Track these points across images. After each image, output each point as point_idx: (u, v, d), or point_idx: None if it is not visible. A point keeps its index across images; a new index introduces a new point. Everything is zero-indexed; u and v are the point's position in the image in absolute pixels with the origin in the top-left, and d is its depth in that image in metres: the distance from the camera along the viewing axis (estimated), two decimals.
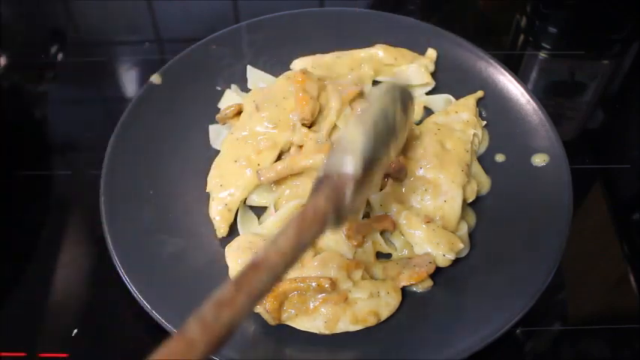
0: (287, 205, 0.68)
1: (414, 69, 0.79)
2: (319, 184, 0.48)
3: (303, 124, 0.70)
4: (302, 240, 0.43)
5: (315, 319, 0.59)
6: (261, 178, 0.67)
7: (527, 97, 0.76)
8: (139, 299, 0.60)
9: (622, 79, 0.93)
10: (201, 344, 0.37)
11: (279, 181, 0.69)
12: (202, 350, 0.37)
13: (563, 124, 0.84)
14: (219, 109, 0.78)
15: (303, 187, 0.69)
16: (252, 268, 0.41)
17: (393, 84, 0.58)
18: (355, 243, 0.63)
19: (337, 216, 0.46)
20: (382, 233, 0.66)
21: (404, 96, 0.58)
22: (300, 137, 0.70)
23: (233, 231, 0.68)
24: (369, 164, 0.50)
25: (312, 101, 0.71)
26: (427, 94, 0.80)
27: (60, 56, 0.94)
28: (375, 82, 0.80)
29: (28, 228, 0.73)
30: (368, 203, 0.67)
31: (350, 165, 0.48)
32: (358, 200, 0.49)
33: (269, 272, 0.41)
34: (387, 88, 0.57)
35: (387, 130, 0.54)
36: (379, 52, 0.80)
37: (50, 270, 0.68)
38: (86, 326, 0.64)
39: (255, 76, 0.81)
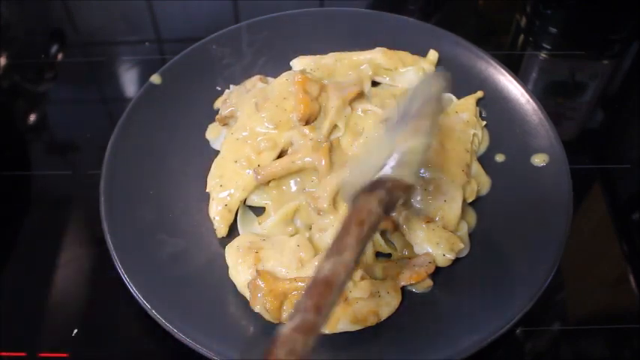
0: (287, 205, 0.68)
1: (412, 72, 0.79)
2: (374, 186, 0.48)
3: (304, 124, 0.70)
4: (362, 249, 0.43)
5: None
6: (258, 177, 0.67)
7: (527, 97, 0.76)
8: (139, 299, 0.60)
9: (622, 79, 0.93)
10: None
11: (278, 181, 0.69)
12: None
13: (563, 124, 0.84)
14: (218, 109, 0.78)
15: (302, 187, 0.69)
16: (326, 285, 0.40)
17: (436, 81, 0.58)
18: None
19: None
20: (382, 233, 0.66)
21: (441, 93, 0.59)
22: (300, 137, 0.70)
23: (233, 231, 0.68)
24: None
25: (312, 102, 0.71)
26: None
27: (60, 56, 0.94)
28: (374, 83, 0.80)
29: (28, 228, 0.73)
30: None
31: (412, 177, 0.50)
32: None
33: (339, 290, 0.41)
34: (435, 90, 0.57)
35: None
36: (378, 56, 0.80)
37: (50, 270, 0.68)
38: (86, 326, 0.64)
39: None
